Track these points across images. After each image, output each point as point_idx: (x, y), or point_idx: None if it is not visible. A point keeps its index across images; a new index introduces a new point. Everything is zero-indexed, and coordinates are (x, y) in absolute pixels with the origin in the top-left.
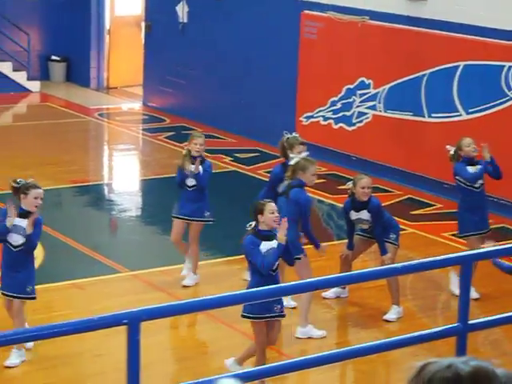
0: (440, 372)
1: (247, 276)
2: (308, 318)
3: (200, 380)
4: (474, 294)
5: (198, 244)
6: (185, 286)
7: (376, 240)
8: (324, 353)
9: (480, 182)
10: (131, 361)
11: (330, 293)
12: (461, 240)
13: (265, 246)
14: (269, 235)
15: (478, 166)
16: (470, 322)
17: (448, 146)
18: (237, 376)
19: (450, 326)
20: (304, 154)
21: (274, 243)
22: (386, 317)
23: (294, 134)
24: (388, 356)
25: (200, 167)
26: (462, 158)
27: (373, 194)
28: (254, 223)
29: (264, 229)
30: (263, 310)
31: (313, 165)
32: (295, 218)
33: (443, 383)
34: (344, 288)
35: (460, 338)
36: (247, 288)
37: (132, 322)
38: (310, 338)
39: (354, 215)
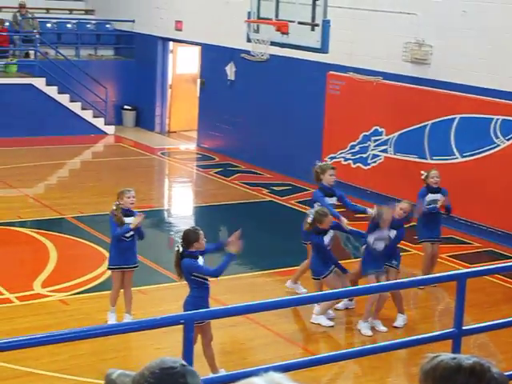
0: (445, 362)
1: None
2: (326, 310)
3: (243, 370)
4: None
5: None
6: None
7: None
8: (347, 350)
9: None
10: (186, 353)
11: (341, 304)
12: (456, 260)
13: (200, 261)
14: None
15: (438, 195)
16: (464, 327)
17: (422, 172)
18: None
19: (447, 330)
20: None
21: (201, 259)
22: (396, 324)
23: (323, 162)
24: (395, 354)
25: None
26: (426, 185)
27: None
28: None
29: (193, 250)
30: None
31: (327, 217)
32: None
33: (446, 371)
34: (351, 300)
35: (455, 340)
36: (189, 298)
37: (187, 322)
38: (319, 324)
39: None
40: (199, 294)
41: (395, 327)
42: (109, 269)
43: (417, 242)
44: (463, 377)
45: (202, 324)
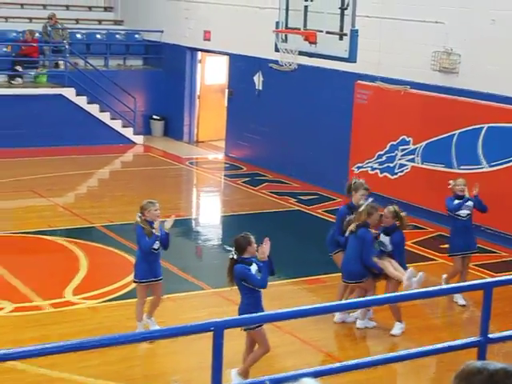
0: (473, 364)
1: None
2: (364, 314)
3: (273, 376)
4: (460, 300)
5: None
6: None
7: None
8: (373, 358)
9: (466, 211)
10: (215, 360)
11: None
12: (480, 269)
13: (253, 268)
14: (251, 261)
15: (468, 202)
16: (490, 335)
17: (450, 181)
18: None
19: (474, 339)
20: (370, 200)
21: (255, 266)
22: (392, 332)
23: (360, 180)
24: (422, 361)
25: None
26: (454, 193)
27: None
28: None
29: (247, 257)
30: None
31: (377, 211)
32: (358, 252)
33: (470, 371)
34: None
35: (481, 348)
36: (240, 306)
37: (217, 329)
38: (366, 327)
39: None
40: (250, 302)
41: (393, 335)
42: (136, 282)
43: (446, 253)
44: (482, 378)
45: (256, 331)
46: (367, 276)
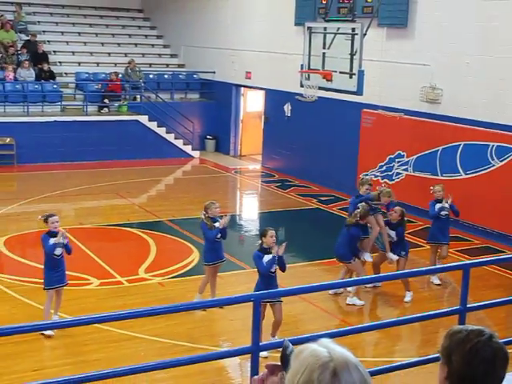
0: (457, 327)
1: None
2: (355, 291)
3: (298, 336)
4: (435, 280)
5: None
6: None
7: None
8: (374, 323)
9: (445, 212)
10: (255, 324)
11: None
12: (459, 253)
13: (267, 257)
14: (268, 250)
15: (446, 204)
16: (468, 305)
17: (431, 187)
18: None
19: (455, 307)
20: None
21: (270, 256)
22: (406, 299)
23: (367, 177)
24: (414, 325)
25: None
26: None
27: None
28: (259, 242)
29: (265, 247)
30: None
31: (368, 214)
32: (347, 241)
33: (454, 332)
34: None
35: (461, 316)
36: (256, 285)
37: (256, 300)
38: (353, 304)
39: (438, 206)
40: (263, 281)
41: (406, 302)
42: (205, 265)
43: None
44: (461, 336)
45: (273, 303)
46: (352, 259)
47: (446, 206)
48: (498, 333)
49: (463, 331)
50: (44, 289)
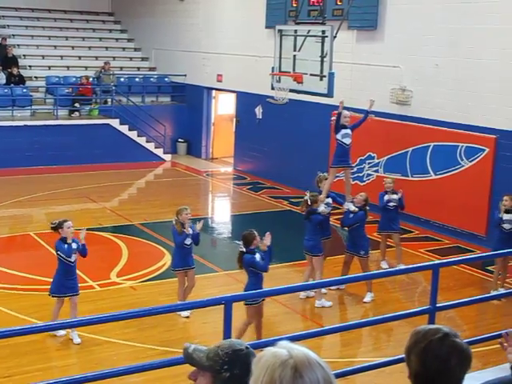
0: (421, 328)
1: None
2: (322, 295)
3: (269, 339)
4: (385, 265)
5: None
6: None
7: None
8: (345, 323)
9: (393, 203)
10: (226, 326)
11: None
12: (429, 253)
13: (257, 256)
14: (254, 251)
15: (394, 195)
16: (438, 305)
17: (384, 179)
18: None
19: (425, 307)
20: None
21: (258, 255)
22: (365, 300)
23: (323, 174)
24: (387, 325)
25: (190, 229)
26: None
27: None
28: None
29: (252, 248)
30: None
31: (318, 199)
32: (311, 231)
33: (418, 333)
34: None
35: (431, 315)
36: (247, 285)
37: (227, 303)
38: (323, 307)
39: (386, 197)
40: (254, 282)
41: (364, 302)
42: (174, 271)
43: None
44: (419, 335)
45: (256, 305)
46: (321, 254)
47: (394, 197)
48: (467, 332)
49: (422, 331)
50: (52, 296)
